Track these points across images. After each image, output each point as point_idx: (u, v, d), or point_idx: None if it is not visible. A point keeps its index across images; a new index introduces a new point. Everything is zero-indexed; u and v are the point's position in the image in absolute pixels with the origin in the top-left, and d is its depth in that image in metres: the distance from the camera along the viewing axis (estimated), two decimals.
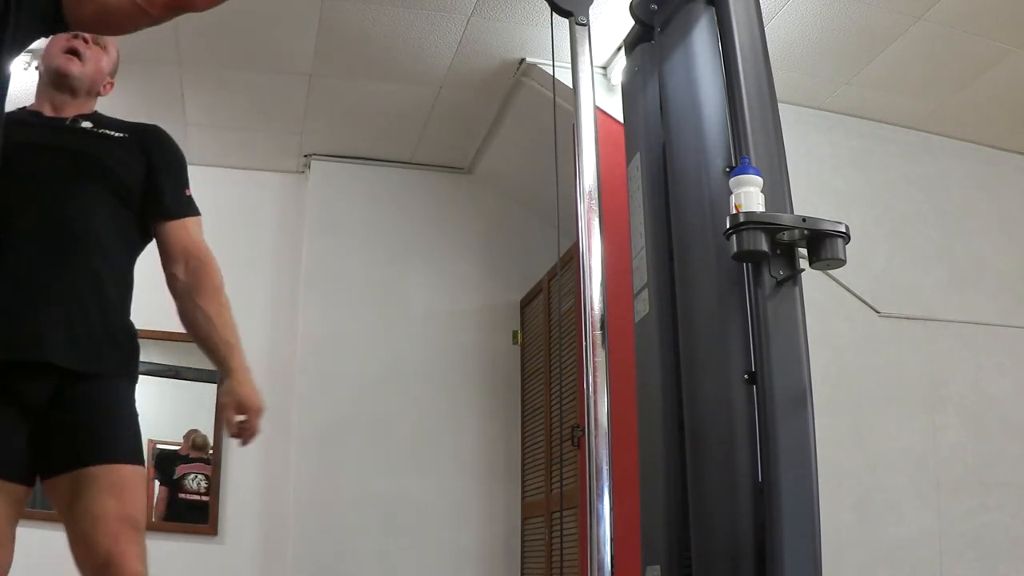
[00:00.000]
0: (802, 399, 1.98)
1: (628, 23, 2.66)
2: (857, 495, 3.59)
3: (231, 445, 4.50)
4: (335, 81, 4.16)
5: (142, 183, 1.98)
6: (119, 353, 1.87)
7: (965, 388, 3.90)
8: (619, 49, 3.45)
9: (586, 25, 2.31)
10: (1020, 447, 3.89)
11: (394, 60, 3.94)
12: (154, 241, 2.04)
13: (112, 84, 2.14)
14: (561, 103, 2.66)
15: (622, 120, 2.70)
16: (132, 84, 4.12)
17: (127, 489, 1.74)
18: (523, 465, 4.81)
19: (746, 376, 2.03)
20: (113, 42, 2.13)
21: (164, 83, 4.12)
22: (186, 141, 4.66)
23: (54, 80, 2.01)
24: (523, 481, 4.79)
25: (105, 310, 1.85)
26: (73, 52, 2.01)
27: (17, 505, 1.72)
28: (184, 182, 2.07)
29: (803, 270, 2.05)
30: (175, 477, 4.50)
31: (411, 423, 4.71)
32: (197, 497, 4.50)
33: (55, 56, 2.01)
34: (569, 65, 2.30)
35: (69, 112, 2.02)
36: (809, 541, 1.89)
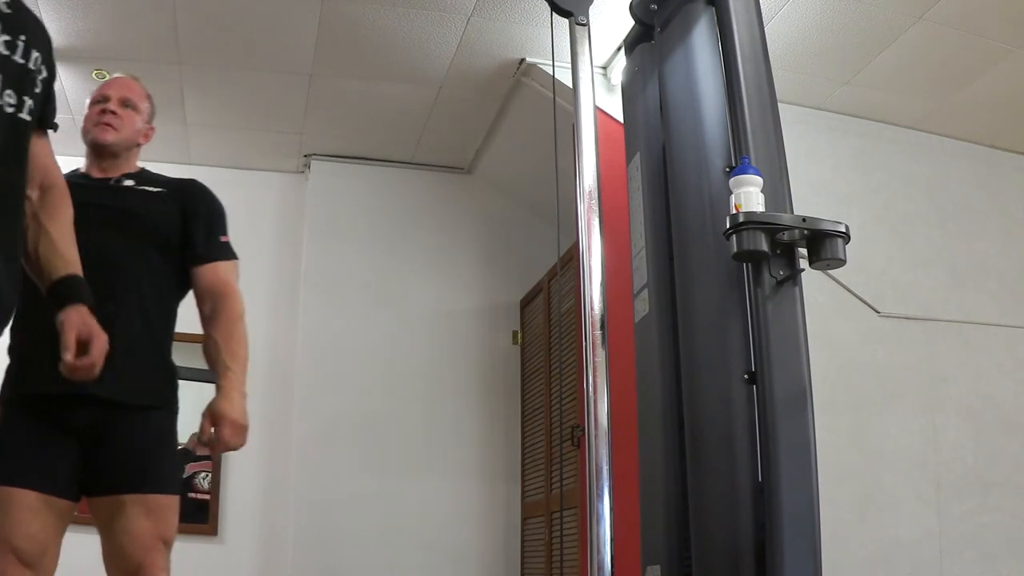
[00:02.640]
0: (802, 399, 1.98)
1: (628, 23, 2.66)
2: (857, 495, 3.59)
3: None
4: (335, 81, 4.16)
5: (179, 233, 2.16)
6: (158, 387, 2.07)
7: (965, 388, 3.90)
8: (619, 49, 3.45)
9: (586, 25, 2.31)
10: (1020, 447, 3.89)
11: (394, 60, 3.94)
12: None
13: (153, 129, 2.31)
14: (561, 103, 2.66)
15: (622, 120, 2.70)
16: None
17: (162, 514, 1.97)
18: (523, 465, 4.81)
19: (746, 376, 2.03)
20: (144, 96, 2.28)
21: (164, 83, 4.11)
22: (186, 141, 4.67)
23: (94, 150, 2.20)
24: (523, 481, 4.78)
25: (145, 348, 2.04)
26: (106, 124, 2.18)
27: (63, 519, 1.91)
28: (218, 229, 2.23)
29: (803, 270, 2.05)
30: (184, 476, 4.50)
31: (411, 423, 4.71)
32: (206, 496, 4.50)
33: (90, 129, 2.19)
34: (569, 65, 2.30)
35: (114, 172, 2.20)
36: (809, 541, 1.89)
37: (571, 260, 3.69)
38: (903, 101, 3.99)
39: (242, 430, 2.03)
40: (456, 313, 4.94)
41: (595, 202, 2.16)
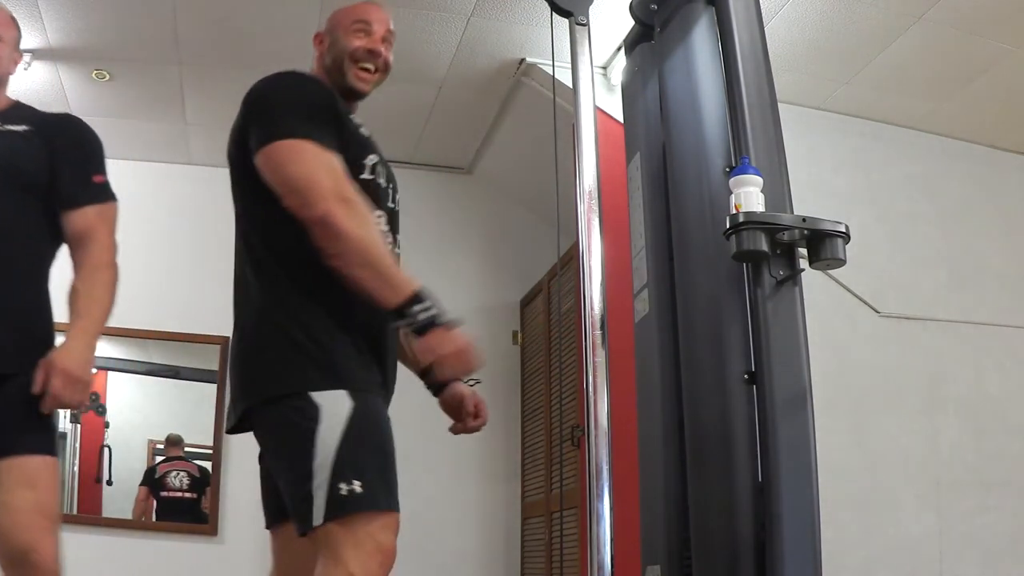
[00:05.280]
0: (802, 399, 1.98)
1: (628, 23, 2.66)
2: (857, 495, 3.59)
3: (231, 444, 4.51)
4: None
5: (46, 174, 1.93)
6: (30, 351, 1.83)
7: (965, 388, 3.90)
8: (619, 49, 3.45)
9: (586, 25, 2.31)
10: (1020, 447, 3.89)
11: (394, 60, 3.93)
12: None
13: (21, 56, 2.08)
14: (561, 103, 2.66)
15: (622, 120, 2.70)
16: (132, 84, 4.13)
17: (40, 479, 1.76)
18: (523, 465, 4.81)
19: (746, 376, 2.03)
20: (7, 24, 2.02)
21: (164, 83, 4.12)
22: (186, 141, 4.66)
23: None
24: (523, 481, 4.78)
25: (14, 308, 1.83)
26: None
27: None
28: (92, 169, 2.00)
29: (803, 270, 2.05)
30: (156, 476, 4.50)
31: (410, 423, 4.67)
32: (180, 495, 4.50)
33: None
34: (569, 65, 2.30)
35: None
36: (809, 541, 1.89)
37: (571, 260, 3.69)
38: (903, 101, 3.99)
39: (75, 382, 1.79)
40: (456, 313, 4.93)
41: (595, 202, 2.16)
